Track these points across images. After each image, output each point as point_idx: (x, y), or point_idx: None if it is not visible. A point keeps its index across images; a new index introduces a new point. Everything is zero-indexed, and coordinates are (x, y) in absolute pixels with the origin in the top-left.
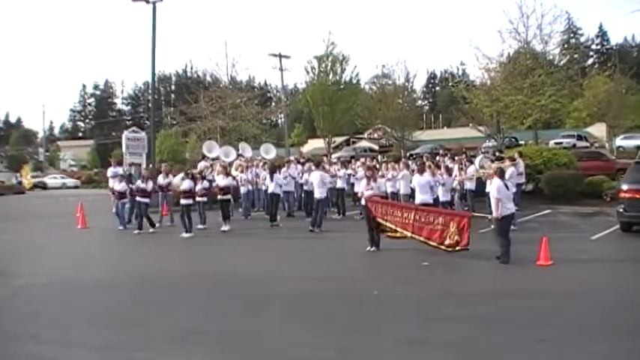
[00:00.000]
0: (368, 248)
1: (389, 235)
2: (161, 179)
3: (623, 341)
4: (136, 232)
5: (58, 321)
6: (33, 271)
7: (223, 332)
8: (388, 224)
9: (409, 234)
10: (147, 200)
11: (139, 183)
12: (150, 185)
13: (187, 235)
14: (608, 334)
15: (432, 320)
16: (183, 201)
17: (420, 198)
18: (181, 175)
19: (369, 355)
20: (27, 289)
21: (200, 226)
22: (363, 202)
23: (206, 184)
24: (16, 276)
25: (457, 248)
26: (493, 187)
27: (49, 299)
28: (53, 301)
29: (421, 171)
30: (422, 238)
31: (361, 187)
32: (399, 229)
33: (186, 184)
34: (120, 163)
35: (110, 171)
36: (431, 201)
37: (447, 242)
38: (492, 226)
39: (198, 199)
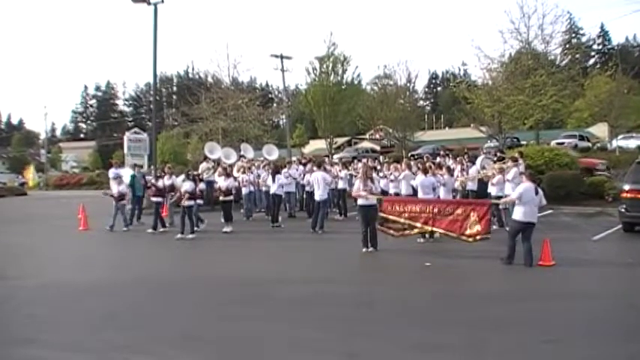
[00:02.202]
0: (364, 249)
1: (405, 234)
2: (165, 180)
3: (627, 343)
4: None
5: (55, 324)
6: (32, 273)
7: (224, 335)
8: (408, 221)
9: (429, 228)
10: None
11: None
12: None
13: (191, 235)
14: (611, 335)
15: (435, 322)
16: (186, 203)
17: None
18: (182, 176)
19: (372, 358)
20: (25, 291)
21: (201, 227)
22: (359, 202)
23: (202, 185)
24: (15, 278)
25: (478, 238)
26: (520, 188)
27: (47, 301)
28: (51, 304)
29: (424, 171)
30: (442, 230)
31: (355, 187)
32: (418, 224)
33: (188, 186)
34: (122, 164)
35: (112, 172)
36: None
37: (467, 232)
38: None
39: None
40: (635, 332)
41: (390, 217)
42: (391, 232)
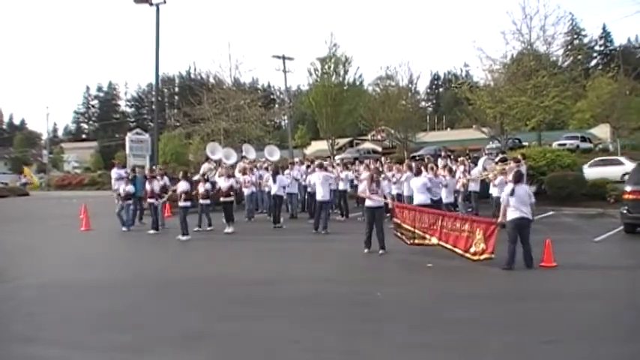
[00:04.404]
0: (365, 250)
1: (416, 243)
2: (159, 182)
3: (628, 344)
4: (184, 238)
5: (56, 322)
6: (33, 272)
7: (225, 335)
8: (417, 231)
9: (436, 241)
10: (188, 204)
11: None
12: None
13: (185, 237)
14: (613, 336)
15: (435, 322)
16: (181, 203)
17: (417, 199)
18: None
19: (372, 357)
20: (26, 291)
21: (207, 228)
22: (367, 203)
23: (208, 186)
24: (16, 278)
25: (482, 257)
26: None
27: (47, 301)
28: (52, 303)
29: (417, 173)
30: (448, 246)
31: (361, 188)
32: (427, 235)
33: (184, 186)
34: (124, 165)
35: (114, 172)
36: (429, 201)
37: (472, 250)
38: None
39: (201, 201)
40: (636, 332)
41: (403, 224)
42: (404, 238)
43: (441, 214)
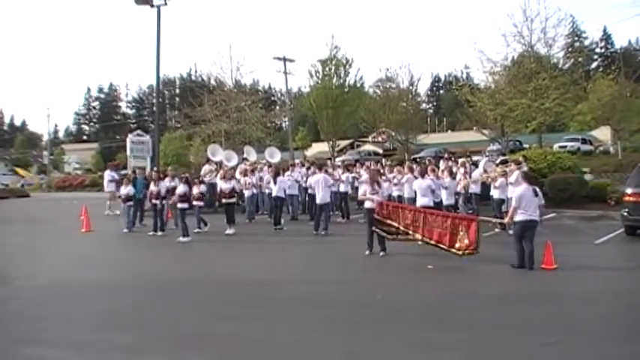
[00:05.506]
0: (367, 252)
1: (397, 239)
2: (167, 183)
3: (628, 345)
4: (185, 239)
5: (56, 323)
6: (34, 273)
7: (225, 336)
8: (401, 227)
9: (419, 236)
10: (185, 206)
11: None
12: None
13: (185, 239)
14: (613, 337)
15: (435, 323)
16: (179, 205)
17: (420, 201)
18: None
19: (372, 357)
20: (27, 291)
21: (205, 229)
22: (366, 205)
23: (203, 187)
24: (17, 278)
25: (467, 252)
26: (517, 193)
27: (48, 301)
28: (52, 304)
29: (422, 174)
30: (432, 242)
31: (361, 191)
32: (410, 231)
33: (182, 189)
34: (125, 167)
35: (107, 174)
36: (432, 204)
37: (457, 245)
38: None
39: (194, 202)
40: (636, 332)
41: (386, 221)
42: (384, 234)
43: (422, 211)
